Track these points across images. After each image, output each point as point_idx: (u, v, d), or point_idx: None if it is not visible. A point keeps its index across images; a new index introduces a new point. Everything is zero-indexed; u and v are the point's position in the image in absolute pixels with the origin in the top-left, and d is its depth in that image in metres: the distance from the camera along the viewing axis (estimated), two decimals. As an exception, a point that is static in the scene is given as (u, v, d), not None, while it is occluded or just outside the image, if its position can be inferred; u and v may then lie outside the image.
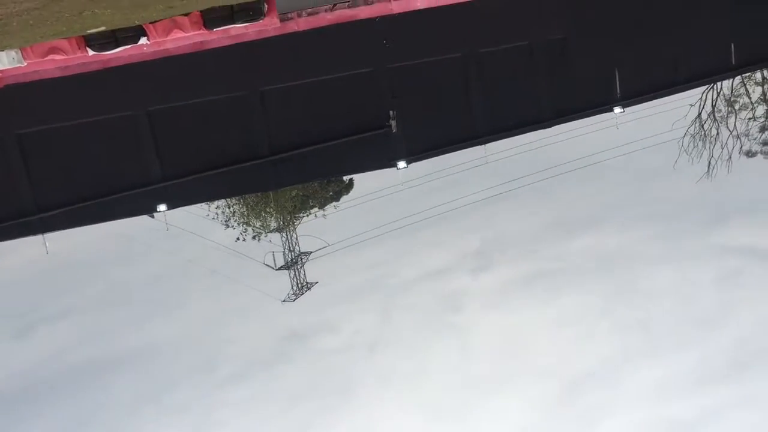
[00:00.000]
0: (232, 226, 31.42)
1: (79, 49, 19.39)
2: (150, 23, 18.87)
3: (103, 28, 18.06)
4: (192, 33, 19.42)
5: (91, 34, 18.73)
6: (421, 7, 21.89)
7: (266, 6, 19.28)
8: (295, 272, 33.14)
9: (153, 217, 25.93)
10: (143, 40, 19.39)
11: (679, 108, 28.63)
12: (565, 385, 35.46)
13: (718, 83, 28.99)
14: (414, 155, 23.44)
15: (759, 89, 30.62)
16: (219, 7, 18.40)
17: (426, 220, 31.93)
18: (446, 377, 35.50)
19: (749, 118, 30.12)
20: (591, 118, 24.63)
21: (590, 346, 34.79)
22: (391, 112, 22.64)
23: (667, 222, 35.76)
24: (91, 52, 19.49)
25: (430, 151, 23.78)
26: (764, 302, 32.34)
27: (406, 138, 23.02)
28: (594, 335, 34.99)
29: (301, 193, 31.72)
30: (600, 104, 23.68)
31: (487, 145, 24.63)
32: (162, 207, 22.92)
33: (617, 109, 23.63)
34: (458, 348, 36.63)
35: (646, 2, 22.98)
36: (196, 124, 22.30)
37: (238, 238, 31.44)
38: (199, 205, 28.55)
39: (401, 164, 23.23)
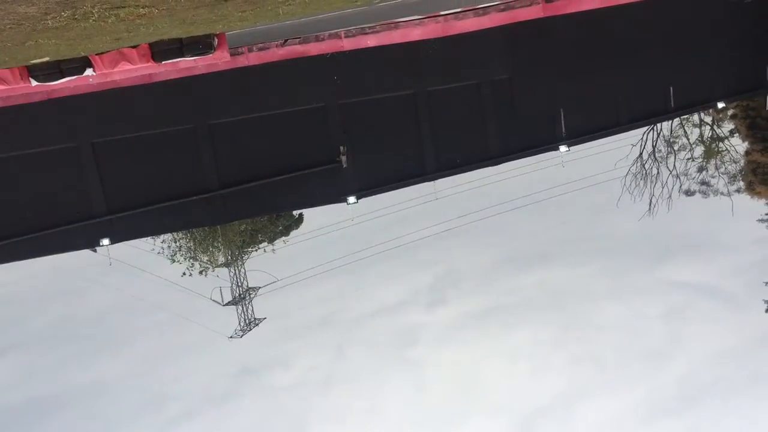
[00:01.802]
0: (179, 260, 30.87)
1: (22, 79, 18.97)
2: (96, 54, 18.59)
3: (47, 59, 17.72)
4: (140, 65, 19.19)
5: (35, 65, 18.36)
6: (372, 45, 22.15)
7: (216, 40, 19.21)
8: (242, 308, 32.64)
9: (96, 251, 25.30)
10: (89, 72, 19.07)
11: (621, 148, 29.56)
12: (520, 420, 35.59)
13: (658, 125, 30.02)
14: (364, 191, 23.48)
15: (696, 131, 31.84)
16: (168, 39, 18.24)
17: (377, 255, 31.96)
18: (402, 413, 35.27)
19: (688, 159, 31.23)
20: (537, 156, 25.15)
21: (543, 381, 35.08)
22: (341, 148, 22.70)
23: (613, 258, 36.60)
24: (34, 83, 19.08)
25: (380, 187, 23.87)
26: (709, 337, 33.21)
27: (356, 173, 23.07)
28: (547, 370, 35.33)
29: (250, 228, 31.42)
30: (546, 143, 24.19)
31: (436, 181, 24.88)
32: (105, 241, 22.37)
33: (563, 148, 24.16)
34: (413, 383, 36.54)
35: (589, 46, 23.73)
36: (142, 157, 21.95)
37: (184, 273, 30.88)
38: (144, 239, 28.02)
39: (351, 199, 23.23)
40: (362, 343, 36.72)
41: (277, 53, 21.58)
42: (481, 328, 36.49)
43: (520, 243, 37.15)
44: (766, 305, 27.97)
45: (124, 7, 11.19)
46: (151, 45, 18.51)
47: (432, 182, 24.79)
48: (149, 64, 19.24)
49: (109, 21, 11.73)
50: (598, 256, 36.93)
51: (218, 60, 19.92)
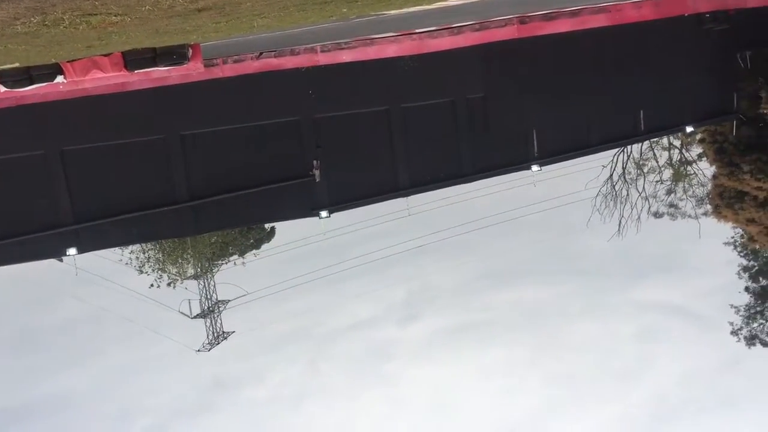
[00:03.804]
0: (147, 272, 30.45)
1: (-9, 84, 18.66)
2: (67, 62, 18.36)
3: (16, 65, 17.46)
4: (112, 74, 18.98)
5: (4, 70, 18.07)
6: (347, 60, 22.20)
7: (191, 50, 19.09)
8: (211, 321, 32.26)
9: (62, 261, 24.87)
10: (60, 79, 18.81)
11: (592, 168, 29.89)
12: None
13: (629, 147, 30.44)
14: (336, 205, 23.43)
15: (666, 154, 32.36)
16: (141, 49, 18.08)
17: (350, 270, 31.82)
18: (375, 429, 35.06)
19: (657, 181, 31.70)
20: (510, 174, 25.32)
21: (517, 399, 35.15)
22: (314, 162, 22.65)
23: (585, 277, 36.91)
24: (3, 89, 18.77)
25: (353, 202, 23.83)
26: (680, 357, 33.58)
27: (329, 188, 23.03)
28: (521, 388, 35.41)
29: (220, 240, 31.13)
30: (518, 162, 24.39)
31: (409, 197, 24.92)
32: (72, 251, 22.00)
33: (534, 167, 24.38)
34: (387, 399, 36.36)
35: (562, 67, 24.04)
36: (111, 166, 21.69)
37: (152, 285, 30.47)
38: (111, 249, 27.62)
39: (324, 214, 23.15)
40: (335, 358, 36.52)
41: (251, 65, 21.52)
42: (454, 345, 36.49)
43: (493, 261, 37.32)
44: (731, 327, 28.41)
45: (95, 15, 11.06)
46: (123, 53, 18.33)
47: (405, 198, 24.82)
48: (122, 72, 19.04)
49: (80, 28, 11.58)
50: (570, 276, 37.21)
51: (192, 71, 19.79)
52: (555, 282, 36.81)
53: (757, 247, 28.16)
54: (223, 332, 32.64)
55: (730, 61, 26.16)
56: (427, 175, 23.89)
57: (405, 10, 18.56)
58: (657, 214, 31.19)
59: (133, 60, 18.53)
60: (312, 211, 23.16)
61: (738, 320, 28.43)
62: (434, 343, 37.60)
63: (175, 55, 18.46)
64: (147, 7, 10.80)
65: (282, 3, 12.91)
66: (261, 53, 21.37)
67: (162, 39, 16.13)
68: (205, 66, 20.22)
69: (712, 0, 24.41)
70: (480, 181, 24.72)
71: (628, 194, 30.93)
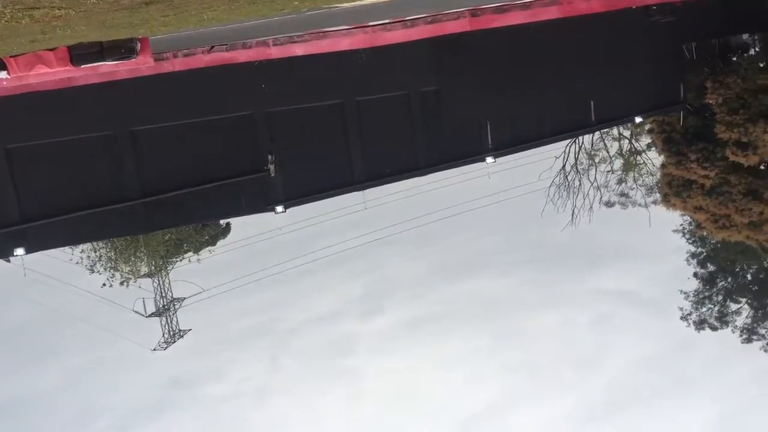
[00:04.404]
0: (98, 271, 29.83)
1: (-71, 80, 18.01)
2: (11, 57, 17.81)
3: (-44, 60, 16.90)
4: (58, 69, 18.48)
5: (-56, 65, 17.47)
6: (300, 54, 22.03)
7: (139, 44, 18.69)
8: (167, 319, 31.79)
9: (9, 261, 24.22)
10: (3, 74, 18.25)
11: (545, 159, 30.32)
12: (454, 428, 35.92)
13: (580, 138, 30.95)
14: (292, 200, 23.27)
15: (616, 144, 33.02)
16: (87, 43, 17.63)
17: (308, 264, 31.70)
18: (338, 423, 35.07)
19: (608, 171, 32.32)
20: (465, 166, 25.51)
21: (477, 389, 35.57)
22: (269, 156, 22.45)
23: (541, 267, 37.46)
24: (-58, 85, 18.15)
25: (309, 197, 23.71)
26: (635, 343, 34.40)
27: (284, 182, 22.85)
28: (481, 378, 35.83)
29: (174, 237, 30.66)
30: (473, 154, 24.57)
31: (365, 191, 24.91)
32: (20, 251, 21.41)
33: (489, 159, 24.59)
34: (349, 392, 36.39)
35: (514, 59, 24.28)
36: (60, 164, 21.14)
37: (104, 284, 29.87)
38: (61, 249, 26.97)
39: (279, 209, 22.97)
40: (297, 353, 36.42)
41: (203, 59, 21.19)
42: (415, 337, 36.74)
43: (450, 253, 37.60)
44: (680, 312, 29.16)
45: (38, 8, 10.74)
46: (69, 48, 17.86)
47: (361, 192, 24.80)
48: (68, 67, 18.56)
49: (23, 22, 11.24)
50: (527, 266, 37.73)
51: (141, 65, 19.40)
52: (512, 272, 37.30)
53: (705, 234, 28.94)
54: (180, 330, 32.22)
55: (677, 53, 26.79)
56: (383, 168, 23.91)
57: (357, 3, 18.50)
58: (609, 204, 31.83)
59: (79, 54, 18.06)
60: (267, 206, 22.97)
61: (687, 305, 29.23)
62: (395, 335, 37.80)
63: (123, 49, 18.06)
64: (92, 0, 10.54)
65: (232, -4, 12.74)
66: (212, 47, 21.05)
67: (109, 33, 15.77)
68: (155, 60, 19.83)
69: (658, -8, 24.93)
70: (435, 173, 24.85)
71: (580, 184, 31.49)
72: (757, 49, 29.44)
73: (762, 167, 25.77)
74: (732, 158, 25.19)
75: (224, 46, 21.18)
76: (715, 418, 32.92)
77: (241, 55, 21.53)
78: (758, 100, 24.59)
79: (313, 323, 37.23)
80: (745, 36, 29.49)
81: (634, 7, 24.93)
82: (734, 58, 28.67)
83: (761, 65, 26.39)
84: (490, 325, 36.54)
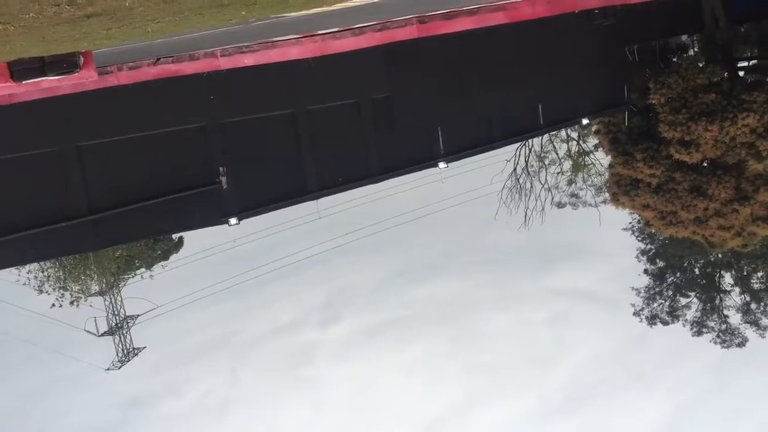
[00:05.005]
0: (47, 291, 28.99)
1: None
2: (-53, 73, 17.21)
3: None
4: (-3, 85, 17.92)
5: None
6: (250, 64, 21.84)
7: (82, 58, 18.24)
8: (120, 337, 31.06)
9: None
10: (-62, 92, 17.62)
11: (497, 163, 30.71)
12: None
13: (530, 141, 31.45)
14: (246, 211, 23.02)
15: (564, 146, 33.63)
16: (28, 58, 17.13)
17: (265, 275, 31.41)
18: (301, 432, 34.81)
19: (558, 173, 32.90)
20: (418, 172, 25.63)
21: (439, 392, 35.76)
22: (221, 168, 22.17)
23: (497, 269, 37.95)
24: None
25: (262, 207, 23.49)
26: (590, 340, 35.05)
27: (237, 194, 22.59)
28: (441, 380, 36.04)
29: (125, 254, 30.00)
30: (425, 160, 24.71)
31: (319, 200, 24.80)
32: (-38, 274, 20.69)
33: (441, 164, 24.76)
34: (311, 402, 36.20)
35: (463, 65, 24.52)
36: (4, 182, 20.49)
37: (53, 305, 29.03)
38: (7, 269, 26.15)
39: (233, 221, 22.68)
40: (256, 365, 36.09)
41: (149, 72, 20.83)
42: (375, 343, 36.80)
43: (406, 258, 37.81)
44: (633, 308, 29.79)
45: (-26, 24, 10.40)
46: (9, 64, 17.32)
47: (315, 201, 24.68)
48: (8, 84, 17.99)
49: (-42, 38, 10.88)
50: (482, 268, 38.17)
51: (85, 79, 18.91)
52: (468, 275, 37.67)
53: (653, 230, 29.65)
54: (134, 348, 31.51)
55: (620, 55, 27.45)
56: (336, 176, 23.85)
57: (305, 12, 18.43)
58: (560, 205, 32.39)
59: (20, 70, 17.52)
60: (221, 218, 22.66)
61: (639, 301, 29.87)
62: (354, 343, 37.79)
63: (65, 63, 17.57)
64: (31, 14, 10.23)
65: (177, 7, 12.53)
66: (158, 59, 20.71)
67: (50, 47, 15.35)
68: (99, 74, 19.37)
69: (600, -3, 25.50)
70: (389, 180, 24.90)
71: (531, 186, 31.98)
72: (695, 49, 30.37)
73: (705, 164, 26.53)
74: (676, 156, 25.87)
75: (170, 58, 20.86)
76: (670, 410, 33.78)
77: (189, 67, 21.24)
78: (698, 99, 25.32)
79: (271, 334, 36.99)
80: (684, 37, 30.41)
81: (577, 11, 25.45)
82: (674, 59, 29.52)
83: (700, 65, 27.17)
84: (448, 327, 36.85)
